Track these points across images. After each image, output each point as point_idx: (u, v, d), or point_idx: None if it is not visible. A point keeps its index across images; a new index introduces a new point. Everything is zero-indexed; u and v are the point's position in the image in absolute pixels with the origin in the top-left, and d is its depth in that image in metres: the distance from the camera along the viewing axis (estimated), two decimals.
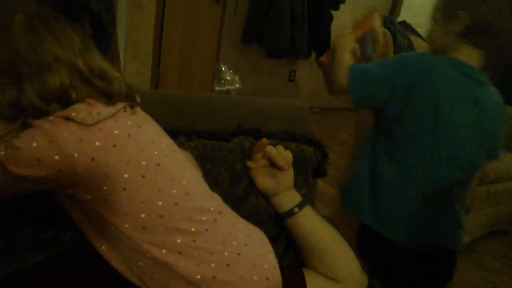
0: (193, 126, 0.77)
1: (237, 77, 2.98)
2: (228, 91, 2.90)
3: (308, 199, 0.78)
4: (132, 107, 0.53)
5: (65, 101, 0.47)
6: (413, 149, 0.85)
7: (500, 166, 1.77)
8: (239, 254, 0.52)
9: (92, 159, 0.44)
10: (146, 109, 0.77)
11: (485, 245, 1.93)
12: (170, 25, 2.42)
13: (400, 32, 2.11)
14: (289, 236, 0.74)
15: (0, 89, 0.46)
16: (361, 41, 0.96)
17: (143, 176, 0.47)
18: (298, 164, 0.77)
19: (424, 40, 2.40)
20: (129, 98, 0.55)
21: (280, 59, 3.55)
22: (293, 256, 0.76)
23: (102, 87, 0.50)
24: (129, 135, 0.48)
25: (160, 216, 0.48)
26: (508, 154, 1.94)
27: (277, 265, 0.57)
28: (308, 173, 0.81)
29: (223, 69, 2.95)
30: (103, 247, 0.50)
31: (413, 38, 2.20)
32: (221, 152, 0.73)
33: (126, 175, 0.46)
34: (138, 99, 0.57)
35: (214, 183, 0.71)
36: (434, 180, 0.87)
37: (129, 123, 0.50)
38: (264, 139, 0.73)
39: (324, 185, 2.29)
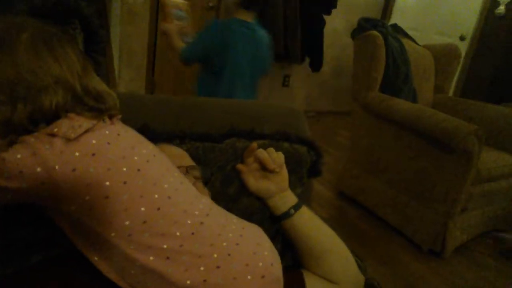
0: (188, 130, 0.77)
1: None
2: None
3: (304, 198, 0.78)
4: (110, 117, 0.53)
5: (53, 120, 0.47)
6: (224, 72, 1.54)
7: (495, 165, 1.79)
8: (229, 254, 0.51)
9: (73, 170, 0.44)
10: (141, 113, 0.78)
11: (482, 243, 1.94)
12: None
13: (392, 34, 2.14)
14: (286, 237, 0.73)
15: None
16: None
17: (125, 183, 0.47)
18: (292, 164, 0.77)
19: (415, 42, 2.44)
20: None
21: (274, 64, 3.56)
22: (290, 257, 0.76)
23: (95, 107, 0.51)
24: (108, 143, 0.48)
25: (144, 222, 0.47)
26: (503, 153, 1.96)
27: (275, 262, 0.57)
28: (302, 172, 0.82)
29: None
30: (95, 258, 0.49)
31: (404, 41, 2.23)
32: (212, 153, 0.73)
33: (107, 183, 0.46)
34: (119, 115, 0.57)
35: (205, 184, 0.71)
36: (244, 83, 1.58)
37: (107, 132, 0.50)
38: (254, 144, 0.72)
39: (321, 188, 2.30)
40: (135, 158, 0.50)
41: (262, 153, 0.71)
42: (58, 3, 0.60)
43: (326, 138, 3.44)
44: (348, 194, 2.21)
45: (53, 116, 0.47)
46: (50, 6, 0.59)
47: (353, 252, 0.75)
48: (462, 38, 4.03)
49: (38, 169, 0.43)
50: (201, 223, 0.52)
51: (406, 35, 2.42)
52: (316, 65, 3.60)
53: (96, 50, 0.71)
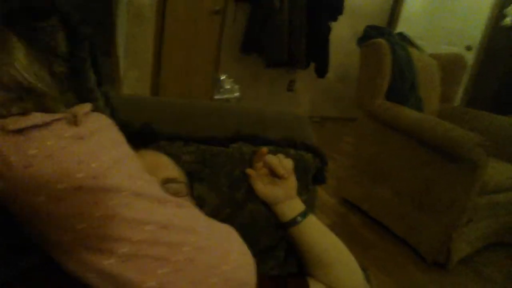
0: (192, 133, 0.76)
1: (237, 86, 2.99)
2: (227, 100, 2.91)
3: (309, 205, 0.77)
4: (74, 117, 0.49)
5: None
6: None
7: (502, 176, 1.77)
8: (191, 259, 0.49)
9: (25, 167, 0.42)
10: (144, 115, 0.77)
11: (487, 256, 1.91)
12: (170, 34, 2.43)
13: (398, 43, 2.13)
14: (292, 244, 0.72)
15: None
16: None
17: (79, 188, 0.44)
18: (298, 171, 0.76)
19: (421, 51, 2.43)
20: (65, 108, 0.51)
21: (279, 69, 3.57)
22: (294, 264, 0.74)
23: (26, 101, 0.47)
24: (64, 147, 0.45)
25: (99, 227, 0.45)
26: (509, 164, 1.94)
27: (245, 264, 0.54)
28: (307, 179, 0.80)
29: (223, 78, 2.96)
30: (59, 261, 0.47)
31: (410, 49, 2.22)
32: (219, 157, 0.72)
33: (59, 186, 0.43)
34: (88, 107, 0.53)
35: (212, 188, 0.70)
36: None
37: (66, 135, 0.46)
38: (265, 148, 0.71)
39: (325, 195, 2.28)
40: (93, 164, 0.46)
41: (272, 158, 0.70)
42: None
43: (330, 143, 3.43)
44: (352, 201, 2.19)
45: None
46: (21, 2, 0.56)
47: (356, 261, 0.73)
48: (468, 48, 4.02)
49: None
50: (164, 226, 0.49)
51: (412, 43, 2.41)
52: (321, 71, 3.59)
53: (80, 48, 0.68)
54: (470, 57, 3.96)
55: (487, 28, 3.95)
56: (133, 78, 2.30)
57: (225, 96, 2.90)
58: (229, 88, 2.94)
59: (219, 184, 0.71)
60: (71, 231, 0.45)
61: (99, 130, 0.51)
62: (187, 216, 0.55)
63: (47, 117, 0.45)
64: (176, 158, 0.70)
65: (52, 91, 0.50)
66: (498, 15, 3.90)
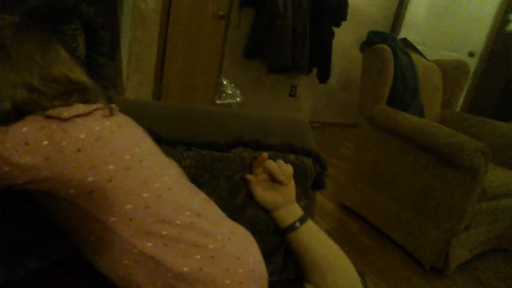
0: (194, 138, 0.78)
1: (238, 91, 3.00)
2: (229, 105, 2.92)
3: (308, 211, 0.78)
4: (110, 109, 0.53)
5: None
6: None
7: (501, 182, 1.77)
8: (223, 247, 0.53)
9: (78, 150, 0.44)
10: (147, 119, 0.79)
11: (485, 262, 1.91)
12: (173, 38, 2.45)
13: (401, 49, 2.14)
14: (290, 250, 0.73)
15: None
16: None
17: (128, 169, 0.48)
18: (298, 176, 0.77)
19: (424, 57, 2.44)
20: (105, 101, 0.56)
21: (282, 74, 3.58)
22: (292, 269, 0.75)
23: (72, 95, 0.51)
24: (111, 132, 0.49)
25: (146, 207, 0.48)
26: (509, 170, 1.94)
27: (262, 260, 0.59)
28: (307, 185, 0.81)
29: (225, 83, 2.98)
30: (89, 251, 0.50)
31: (413, 55, 2.23)
32: (220, 162, 0.74)
33: (111, 167, 0.47)
34: (116, 107, 0.56)
35: (212, 193, 0.71)
36: None
37: (107, 123, 0.50)
38: (265, 154, 0.73)
39: (324, 200, 2.28)
40: (137, 150, 0.51)
41: (271, 164, 0.72)
42: (53, 4, 0.60)
43: (330, 149, 3.44)
44: (351, 206, 2.20)
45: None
46: (45, 7, 0.58)
47: (354, 266, 0.74)
48: (471, 54, 4.03)
49: (45, 143, 0.43)
50: (198, 215, 0.54)
51: (415, 49, 2.42)
52: (323, 77, 3.60)
53: (97, 51, 0.71)
54: (472, 63, 3.96)
55: (490, 34, 3.96)
56: (135, 82, 2.32)
57: (227, 101, 2.92)
58: (231, 93, 2.95)
59: (219, 189, 0.72)
60: (119, 211, 0.47)
61: (130, 123, 0.56)
62: (214, 209, 0.61)
63: (87, 108, 0.49)
64: (177, 162, 0.71)
65: (93, 86, 0.55)
66: (501, 21, 3.90)
